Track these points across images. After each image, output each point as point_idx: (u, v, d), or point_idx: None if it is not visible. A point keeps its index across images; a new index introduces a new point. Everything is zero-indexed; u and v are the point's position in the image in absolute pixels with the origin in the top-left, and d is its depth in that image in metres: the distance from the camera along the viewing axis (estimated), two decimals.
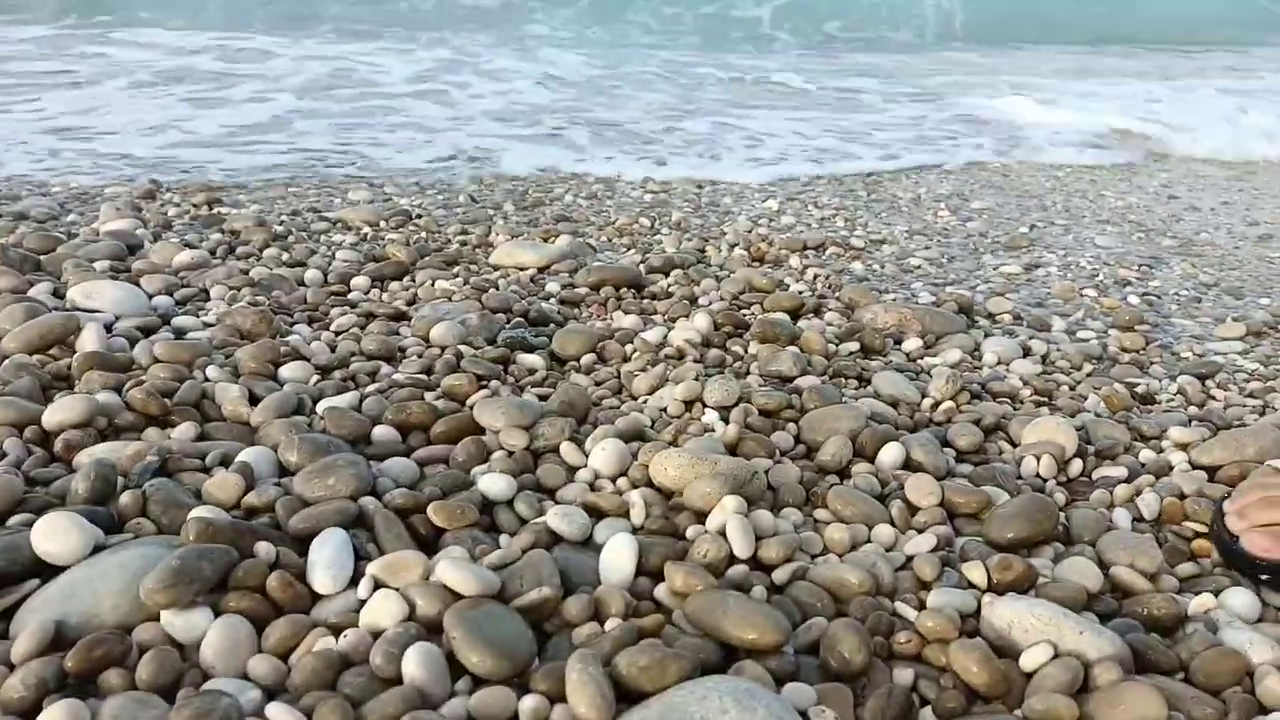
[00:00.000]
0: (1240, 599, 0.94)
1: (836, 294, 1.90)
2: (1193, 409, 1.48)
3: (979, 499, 1.07)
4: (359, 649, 0.79)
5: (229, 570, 0.84)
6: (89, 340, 1.30)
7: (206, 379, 1.25)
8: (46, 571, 0.85)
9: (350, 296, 1.71)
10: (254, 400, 1.20)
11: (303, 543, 0.91)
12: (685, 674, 0.75)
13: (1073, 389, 1.53)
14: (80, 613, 0.79)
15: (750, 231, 2.37)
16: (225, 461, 1.05)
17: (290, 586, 0.84)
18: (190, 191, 2.46)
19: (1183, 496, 1.14)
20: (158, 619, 0.80)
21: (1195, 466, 1.22)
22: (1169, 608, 0.91)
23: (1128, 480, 1.17)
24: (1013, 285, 2.11)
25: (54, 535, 0.86)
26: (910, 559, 0.98)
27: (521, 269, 1.95)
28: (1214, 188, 3.27)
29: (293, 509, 0.95)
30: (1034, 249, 2.41)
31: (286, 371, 1.30)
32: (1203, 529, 1.07)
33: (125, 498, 0.93)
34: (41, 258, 1.73)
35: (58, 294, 1.56)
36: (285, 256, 1.93)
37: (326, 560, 0.87)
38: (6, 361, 1.24)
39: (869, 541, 1.01)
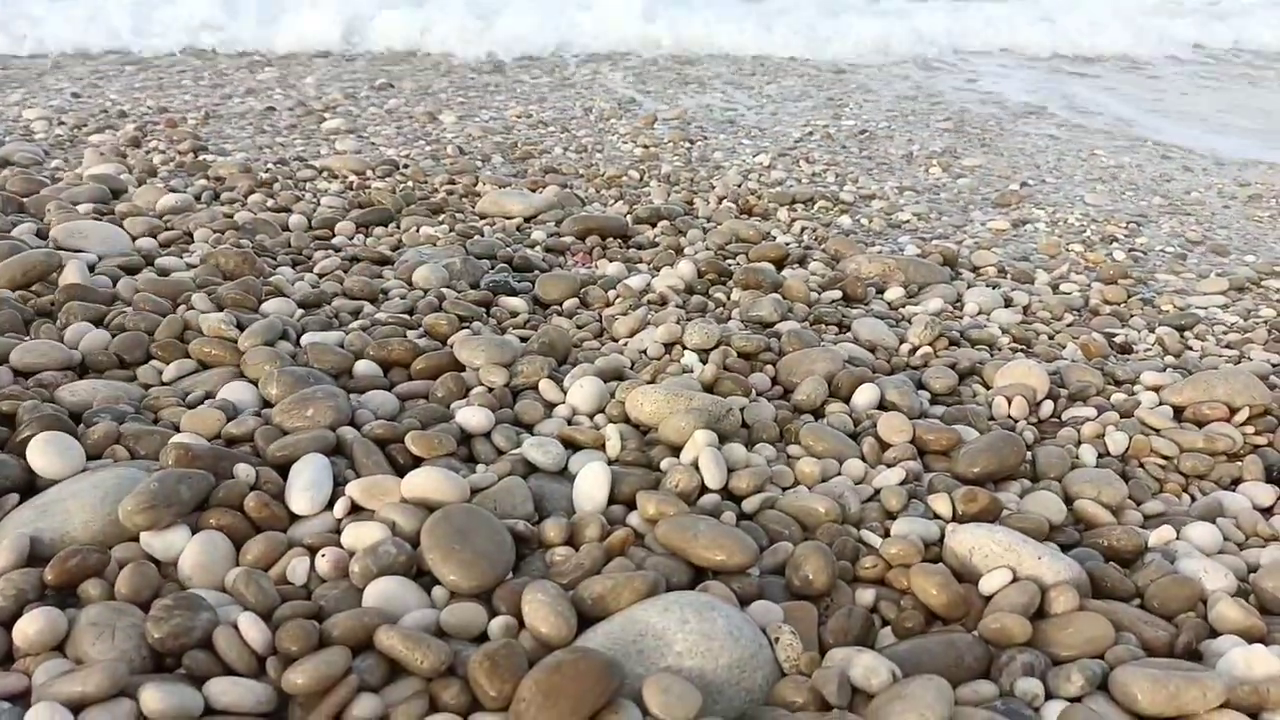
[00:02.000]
0: (1201, 531, 0.96)
1: (823, 246, 1.91)
2: (1169, 358, 1.49)
3: (949, 437, 1.09)
4: (336, 567, 0.81)
5: (208, 494, 0.86)
6: (71, 275, 1.31)
7: (191, 308, 1.26)
8: (27, 491, 0.86)
9: (335, 241, 1.71)
10: (241, 329, 1.20)
11: (282, 470, 0.92)
12: (645, 593, 0.77)
13: (1052, 338, 1.54)
14: (53, 529, 0.81)
15: (740, 185, 2.36)
16: (209, 395, 1.07)
17: (268, 506, 0.86)
18: (176, 140, 2.44)
19: (1150, 433, 1.16)
20: (136, 539, 0.82)
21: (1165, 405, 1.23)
22: (1129, 539, 0.93)
23: (1096, 419, 1.19)
24: (999, 240, 2.12)
25: (48, 451, 0.87)
26: (878, 491, 0.99)
27: (508, 217, 1.95)
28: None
29: (271, 437, 0.96)
30: (1023, 206, 2.41)
31: (269, 306, 1.31)
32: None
33: (98, 430, 0.94)
34: (25, 200, 1.73)
35: (41, 235, 1.56)
36: (270, 203, 1.92)
37: (305, 483, 0.89)
38: None
39: (839, 475, 1.03)
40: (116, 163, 2.10)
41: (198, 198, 1.90)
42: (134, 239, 1.59)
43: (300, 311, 1.32)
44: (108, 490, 0.83)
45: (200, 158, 2.30)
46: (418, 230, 1.79)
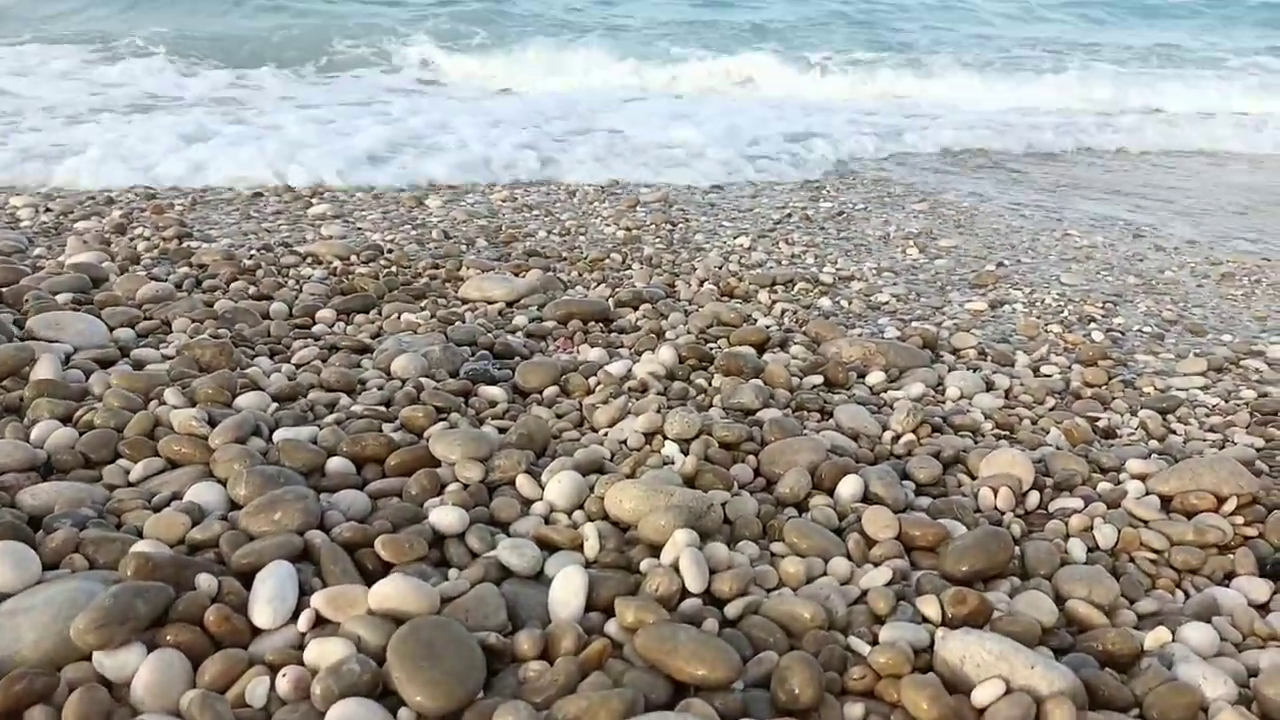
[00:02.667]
0: (1198, 633, 0.94)
1: (803, 328, 1.91)
2: (1153, 443, 1.48)
3: (936, 532, 1.07)
4: (298, 688, 0.77)
5: (167, 607, 0.82)
6: (43, 370, 1.28)
7: (163, 403, 1.23)
8: None
9: (314, 330, 1.70)
10: (213, 424, 1.18)
11: (247, 578, 0.89)
12: (622, 714, 0.74)
13: (1034, 423, 1.53)
14: (3, 647, 0.77)
15: (721, 267, 2.38)
16: (176, 497, 1.04)
17: (229, 620, 0.82)
18: (162, 226, 2.44)
19: (1139, 525, 1.14)
20: (89, 658, 0.78)
21: (1151, 495, 1.22)
22: (1125, 643, 0.90)
23: (1084, 511, 1.17)
24: (978, 321, 2.13)
25: (2, 563, 0.84)
26: (865, 593, 0.97)
27: (490, 302, 1.95)
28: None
29: (237, 543, 0.93)
30: (1000, 286, 2.43)
31: (244, 400, 1.28)
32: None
33: (58, 537, 0.91)
34: (4, 289, 1.71)
35: (18, 324, 1.54)
36: (252, 290, 1.91)
37: (268, 594, 0.86)
38: None
39: (825, 575, 1.00)
40: (100, 250, 2.09)
41: (179, 285, 1.89)
42: (111, 329, 1.57)
43: (275, 405, 1.29)
44: (60, 606, 0.80)
45: (184, 244, 2.29)
46: (399, 317, 1.78)
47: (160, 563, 0.86)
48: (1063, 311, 2.23)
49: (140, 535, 0.95)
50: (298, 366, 1.49)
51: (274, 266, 2.13)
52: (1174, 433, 1.54)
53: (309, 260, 2.22)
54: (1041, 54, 8.26)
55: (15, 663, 0.76)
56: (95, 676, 0.76)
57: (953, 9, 10.10)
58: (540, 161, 3.69)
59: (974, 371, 1.73)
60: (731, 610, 0.92)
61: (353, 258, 2.25)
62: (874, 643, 0.88)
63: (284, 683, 0.77)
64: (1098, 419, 1.56)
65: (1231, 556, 1.10)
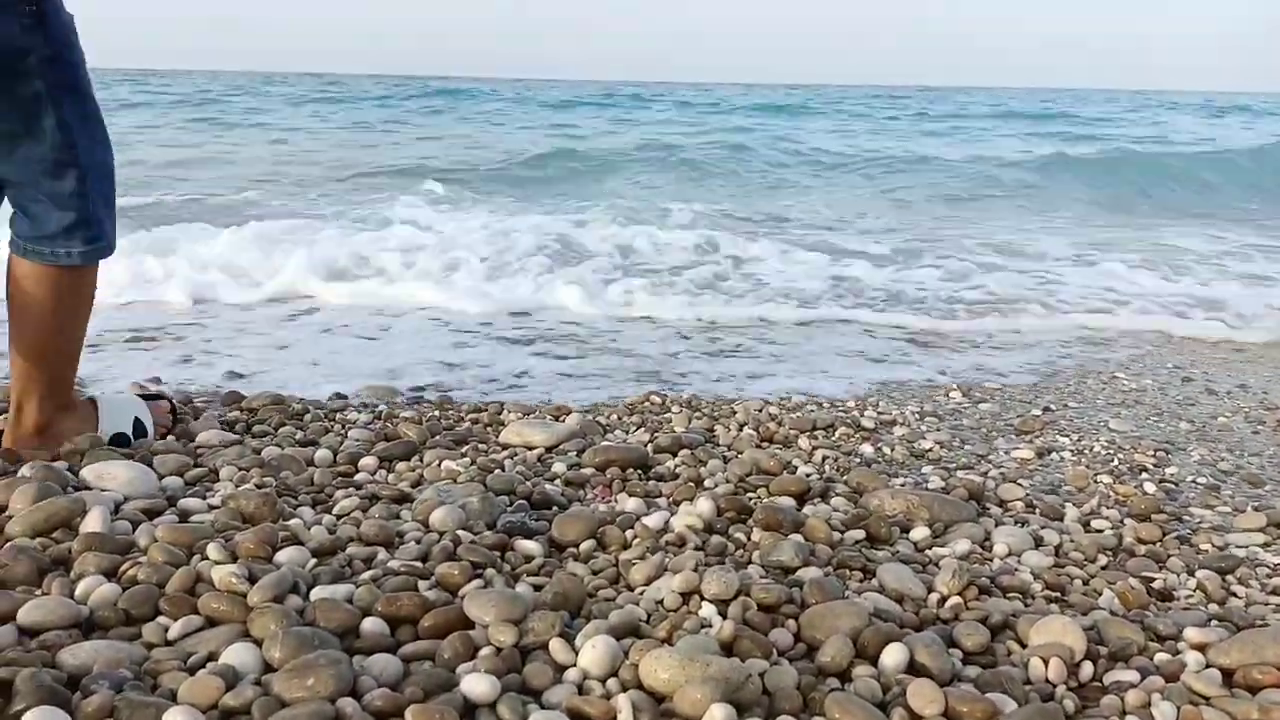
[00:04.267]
0: None
1: (844, 477, 1.89)
2: (1213, 606, 1.42)
3: (984, 708, 1.03)
4: None
5: None
6: (92, 523, 1.32)
7: (205, 558, 1.25)
8: None
9: (357, 478, 1.73)
10: (253, 580, 1.19)
11: None
12: None
13: (1086, 583, 1.48)
14: None
15: (760, 410, 2.39)
16: (212, 657, 1.04)
17: None
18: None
19: (1199, 701, 1.09)
20: None
21: (1212, 668, 1.16)
22: None
23: (1140, 685, 1.12)
24: (1025, 470, 2.09)
25: None
26: None
27: (530, 448, 1.97)
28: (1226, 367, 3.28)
29: (269, 710, 0.93)
30: (1047, 432, 2.40)
31: (283, 556, 1.30)
32: None
33: (94, 701, 0.92)
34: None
35: (72, 471, 1.59)
36: (299, 435, 1.96)
37: None
38: (9, 545, 1.26)
39: None
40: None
41: (231, 427, 1.95)
42: (161, 478, 1.61)
43: (313, 561, 1.30)
44: None
45: (233, 388, 2.37)
46: (439, 465, 1.81)
47: None
48: (1113, 460, 2.18)
49: (174, 699, 0.95)
50: (338, 518, 1.51)
51: (320, 410, 2.19)
52: (1234, 595, 1.48)
53: (356, 404, 2.28)
54: None
55: None
56: None
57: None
58: None
59: (1022, 526, 1.69)
60: None
61: (398, 399, 2.30)
62: None
63: None
64: (1153, 579, 1.51)
65: None
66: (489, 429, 2.11)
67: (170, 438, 1.84)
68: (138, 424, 1.81)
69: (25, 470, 1.52)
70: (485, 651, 1.09)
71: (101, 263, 1.67)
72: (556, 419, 2.18)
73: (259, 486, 1.57)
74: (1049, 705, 1.04)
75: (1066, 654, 1.16)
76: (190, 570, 1.20)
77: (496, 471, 1.77)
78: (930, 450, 2.19)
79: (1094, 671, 1.16)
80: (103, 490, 1.50)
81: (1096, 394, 2.83)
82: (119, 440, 1.76)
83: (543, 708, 1.00)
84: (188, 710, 0.92)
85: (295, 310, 3.61)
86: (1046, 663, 1.15)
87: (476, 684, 0.99)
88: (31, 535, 1.30)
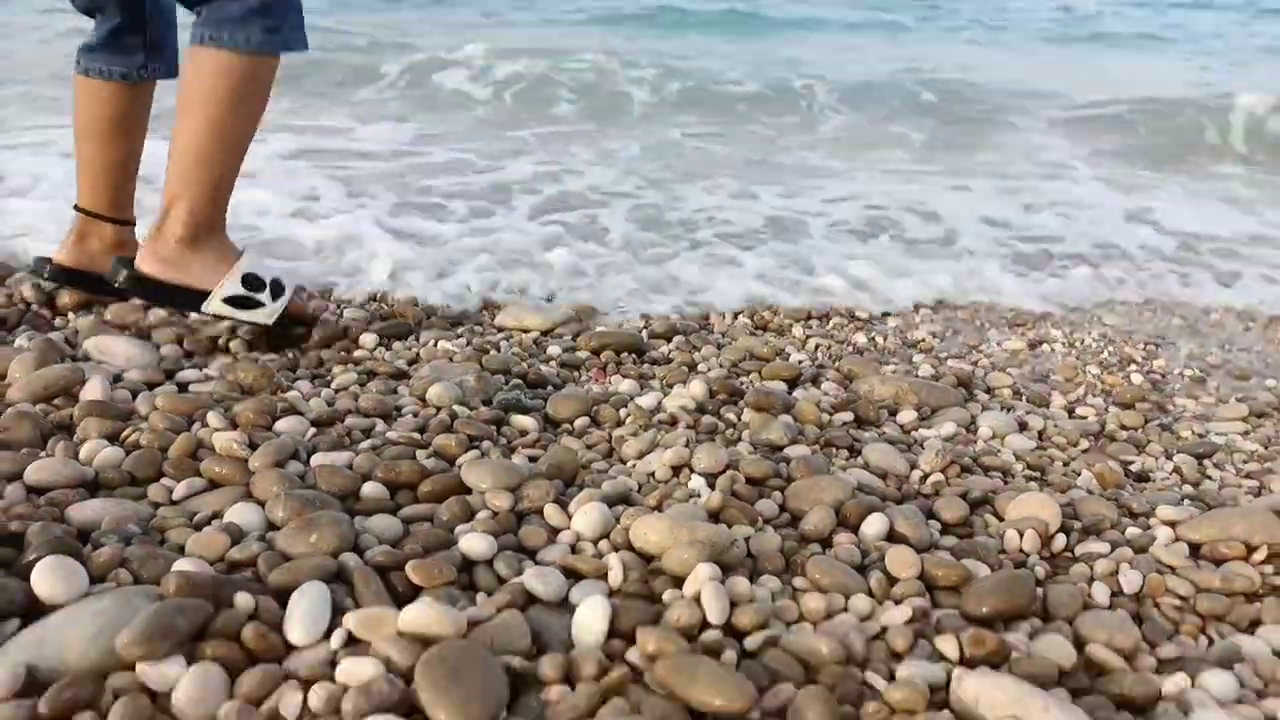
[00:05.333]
0: (1218, 680, 0.93)
1: (836, 364, 1.92)
2: (1187, 488, 1.47)
3: (958, 572, 1.07)
4: (329, 703, 0.80)
5: (206, 623, 0.86)
6: (92, 391, 1.34)
7: (205, 425, 1.28)
8: (30, 615, 0.87)
9: (355, 354, 1.75)
10: (253, 447, 1.22)
11: (282, 596, 0.92)
12: None
13: (1066, 465, 1.53)
14: (51, 658, 0.81)
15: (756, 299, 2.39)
16: (217, 516, 1.08)
17: (265, 637, 0.86)
18: None
19: (1165, 571, 1.14)
20: (132, 668, 0.82)
21: (1181, 542, 1.21)
22: (1142, 687, 0.90)
23: (1110, 555, 1.17)
24: (1016, 361, 2.12)
25: (52, 577, 0.88)
26: (885, 630, 0.98)
27: (525, 331, 1.99)
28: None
29: (274, 563, 0.97)
30: (1040, 325, 2.42)
31: (283, 425, 1.33)
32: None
33: (104, 552, 0.95)
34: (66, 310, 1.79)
35: (69, 343, 1.61)
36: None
37: (303, 612, 0.89)
38: (10, 410, 1.28)
39: (845, 611, 1.01)
40: None
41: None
42: (158, 347, 1.63)
43: (312, 431, 1.33)
44: (108, 619, 0.84)
45: None
46: (436, 344, 1.82)
47: (200, 582, 0.89)
48: (1103, 353, 2.21)
49: (182, 552, 0.99)
50: (336, 391, 1.54)
51: (319, 290, 2.19)
52: (1209, 478, 1.53)
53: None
54: None
55: (63, 671, 0.80)
56: (139, 686, 0.80)
57: None
58: None
59: (1008, 412, 1.73)
60: (751, 643, 0.93)
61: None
62: (891, 679, 0.89)
63: (315, 698, 0.80)
64: (1131, 463, 1.55)
65: (1259, 605, 1.09)
66: (484, 311, 2.12)
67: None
68: (275, 283, 1.69)
69: (22, 340, 1.54)
70: (482, 515, 1.13)
71: None
72: (550, 302, 2.19)
73: (255, 361, 1.59)
74: (1020, 572, 1.09)
75: (1041, 527, 1.20)
76: (191, 436, 1.23)
77: (492, 352, 1.79)
78: (923, 340, 2.21)
79: (1066, 543, 1.21)
80: (101, 363, 1.52)
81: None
82: (250, 280, 1.65)
83: (537, 564, 1.04)
84: (196, 561, 0.96)
85: None
86: (1021, 534, 1.19)
87: (474, 543, 1.03)
88: (32, 402, 1.32)
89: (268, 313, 1.67)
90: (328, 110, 4.64)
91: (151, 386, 1.45)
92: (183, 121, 1.59)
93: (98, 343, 1.56)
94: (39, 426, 1.24)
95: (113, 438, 1.24)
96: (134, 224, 1.85)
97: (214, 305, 1.62)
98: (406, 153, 3.87)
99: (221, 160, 1.60)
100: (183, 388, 1.46)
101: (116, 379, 1.45)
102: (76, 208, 1.79)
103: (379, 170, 3.52)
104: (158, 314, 1.80)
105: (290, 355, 1.69)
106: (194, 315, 1.84)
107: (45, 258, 1.79)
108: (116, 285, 1.61)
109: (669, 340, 1.99)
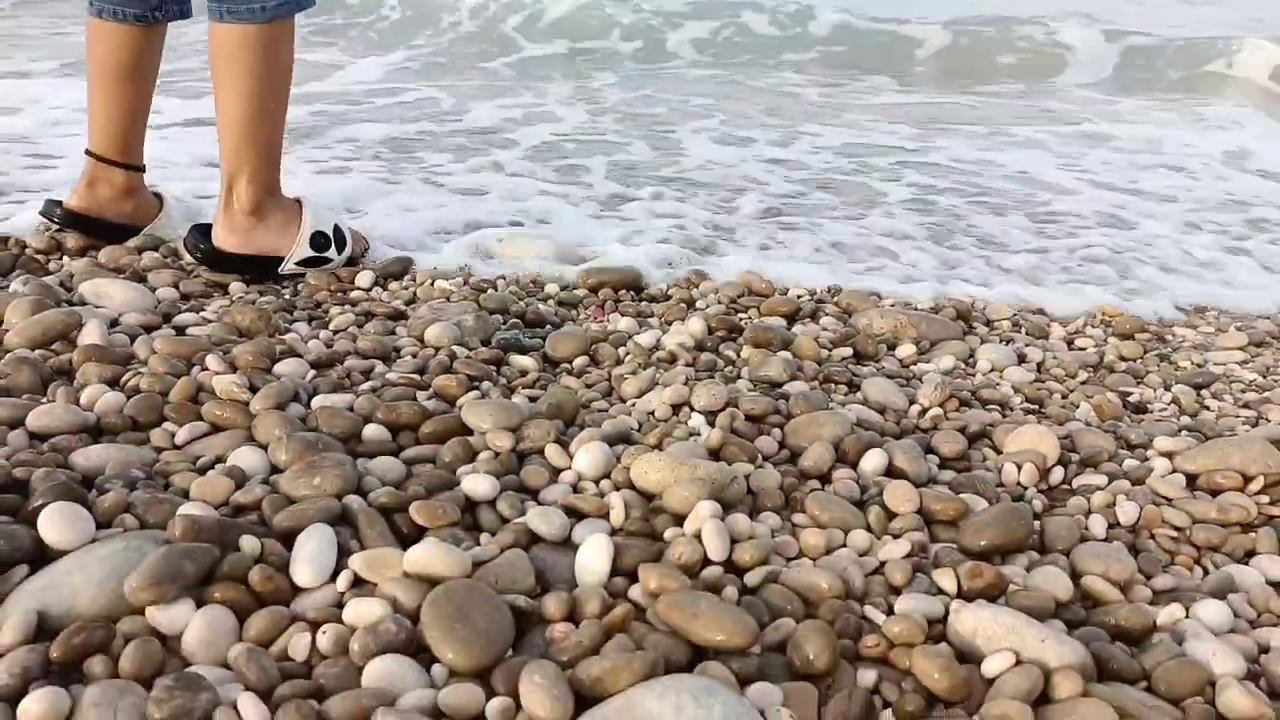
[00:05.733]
0: (1212, 609, 0.95)
1: (835, 298, 1.91)
2: (1185, 419, 1.48)
3: (956, 506, 1.08)
4: (337, 644, 0.82)
5: (213, 567, 0.87)
6: (90, 335, 1.33)
7: (205, 368, 1.28)
8: (38, 560, 0.88)
9: (351, 295, 1.73)
10: (253, 390, 1.22)
11: (288, 539, 0.93)
12: (643, 675, 0.77)
13: (1065, 397, 1.53)
14: (60, 603, 0.82)
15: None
16: (220, 460, 1.08)
17: (271, 580, 0.87)
18: None
19: (1162, 502, 1.15)
20: (142, 612, 0.83)
21: (1178, 473, 1.22)
22: (1137, 618, 0.92)
23: (1107, 488, 1.18)
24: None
25: (59, 523, 0.89)
26: (883, 564, 0.99)
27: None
28: None
29: (278, 506, 0.97)
30: None
31: (282, 367, 1.32)
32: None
33: (109, 498, 0.96)
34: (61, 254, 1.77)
35: (65, 287, 1.59)
36: None
37: (308, 555, 0.90)
38: (9, 355, 1.28)
39: (844, 546, 1.03)
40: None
41: None
42: (154, 290, 1.62)
43: (312, 373, 1.33)
44: (115, 564, 0.85)
45: None
46: (432, 284, 1.81)
47: (206, 525, 0.90)
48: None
49: (187, 496, 1.00)
50: (334, 333, 1.53)
51: None
52: (1207, 408, 1.53)
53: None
54: None
55: (73, 617, 0.81)
56: (149, 630, 0.81)
57: None
58: None
59: (1007, 344, 1.73)
60: (751, 579, 0.95)
61: None
62: (889, 613, 0.91)
63: (324, 639, 0.82)
64: (1129, 394, 1.55)
65: (1253, 535, 1.10)
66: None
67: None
68: (338, 231, 1.77)
69: (17, 285, 1.53)
70: (484, 455, 1.13)
71: None
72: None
73: (252, 303, 1.58)
74: (1018, 504, 1.10)
75: (1039, 459, 1.21)
76: (191, 380, 1.23)
77: (490, 291, 1.78)
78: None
79: (1064, 476, 1.22)
80: (98, 307, 1.51)
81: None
82: (316, 240, 1.73)
83: (539, 504, 1.05)
84: (201, 505, 0.96)
85: None
86: (1019, 467, 1.20)
87: (476, 483, 1.04)
88: (30, 348, 1.32)
89: (335, 265, 1.78)
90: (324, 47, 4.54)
91: (149, 330, 1.44)
92: (220, 99, 1.62)
93: (94, 286, 1.55)
94: (38, 372, 1.24)
95: (113, 382, 1.23)
96: (144, 169, 1.85)
97: (288, 269, 1.72)
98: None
99: (266, 128, 1.64)
100: (180, 331, 1.46)
101: (114, 323, 1.45)
102: (88, 152, 1.79)
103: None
104: (153, 256, 1.78)
105: (286, 296, 1.68)
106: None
107: (56, 200, 1.80)
108: (197, 260, 1.71)
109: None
